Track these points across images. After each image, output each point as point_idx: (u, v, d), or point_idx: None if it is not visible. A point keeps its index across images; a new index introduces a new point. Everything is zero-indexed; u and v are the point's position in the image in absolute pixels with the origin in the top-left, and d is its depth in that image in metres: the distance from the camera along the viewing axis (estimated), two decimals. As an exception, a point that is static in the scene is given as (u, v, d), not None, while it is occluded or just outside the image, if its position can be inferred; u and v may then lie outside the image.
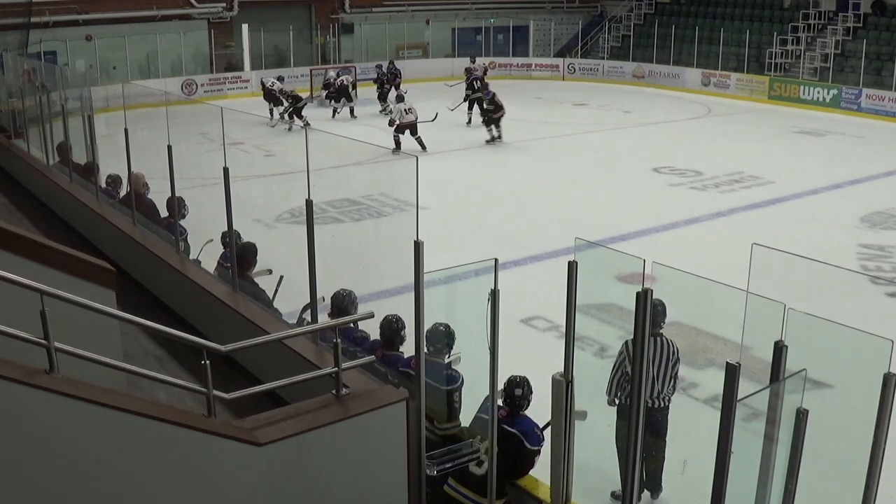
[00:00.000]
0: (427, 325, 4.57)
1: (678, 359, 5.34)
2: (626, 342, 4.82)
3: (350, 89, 22.87)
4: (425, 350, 4.89)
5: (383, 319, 5.51)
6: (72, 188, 10.21)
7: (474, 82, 21.02)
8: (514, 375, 4.84)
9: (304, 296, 5.86)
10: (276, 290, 7.05)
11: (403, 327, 5.40)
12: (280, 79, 22.44)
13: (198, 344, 4.28)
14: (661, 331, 5.28)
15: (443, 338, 4.98)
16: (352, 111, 22.68)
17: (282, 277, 7.13)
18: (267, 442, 4.02)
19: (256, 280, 7.12)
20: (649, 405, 4.37)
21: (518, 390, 4.79)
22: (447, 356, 5.01)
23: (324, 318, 5.70)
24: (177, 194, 7.76)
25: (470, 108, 21.00)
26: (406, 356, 5.31)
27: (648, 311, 3.57)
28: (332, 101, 22.94)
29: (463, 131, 20.63)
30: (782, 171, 16.28)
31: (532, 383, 4.94)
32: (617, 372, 5.25)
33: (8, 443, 3.47)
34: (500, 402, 4.75)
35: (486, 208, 13.73)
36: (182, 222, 7.92)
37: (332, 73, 24.42)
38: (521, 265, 10.69)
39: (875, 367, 3.03)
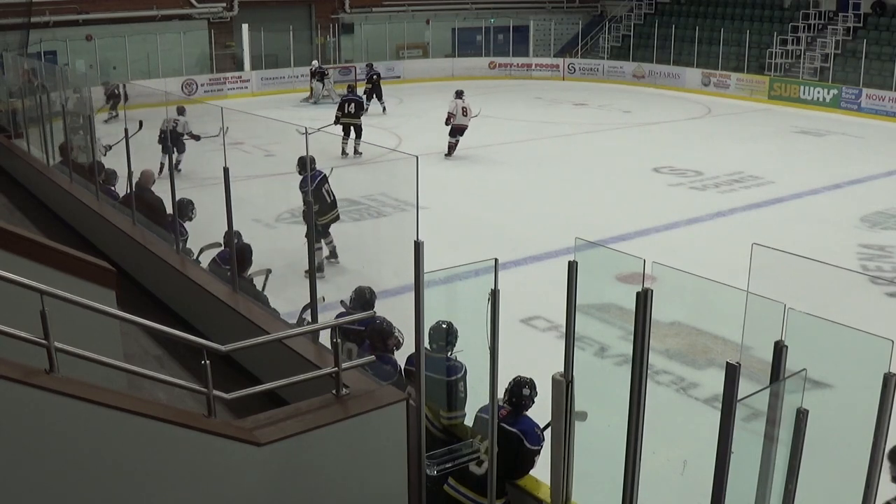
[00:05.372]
0: (427, 326, 4.58)
1: None
2: None
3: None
4: (428, 347, 4.90)
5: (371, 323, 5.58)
6: (72, 188, 10.22)
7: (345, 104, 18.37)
8: (521, 376, 4.85)
9: (304, 295, 5.86)
10: (265, 284, 7.09)
11: (391, 333, 5.52)
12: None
13: (198, 344, 4.29)
14: None
15: (445, 335, 4.99)
16: None
17: (269, 271, 7.17)
18: (267, 442, 4.02)
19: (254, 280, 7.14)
20: None
21: (526, 390, 4.80)
22: (450, 353, 5.02)
23: (325, 318, 5.70)
24: (178, 194, 7.77)
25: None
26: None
27: (648, 310, 3.57)
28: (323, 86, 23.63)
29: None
30: (782, 171, 16.28)
31: (532, 384, 4.94)
32: None
33: (8, 443, 3.47)
34: (501, 401, 4.75)
35: (486, 208, 13.73)
36: (187, 224, 7.96)
37: (315, 63, 25.95)
38: (521, 265, 10.69)
39: (875, 367, 3.03)
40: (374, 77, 23.58)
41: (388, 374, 5.32)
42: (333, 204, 10.12)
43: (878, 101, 23.32)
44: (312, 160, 9.73)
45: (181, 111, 16.80)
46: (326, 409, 4.33)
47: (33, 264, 4.83)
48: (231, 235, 6.83)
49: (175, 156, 14.97)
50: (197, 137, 15.30)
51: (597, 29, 32.63)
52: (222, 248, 7.39)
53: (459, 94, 17.59)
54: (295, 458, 4.16)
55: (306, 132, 5.80)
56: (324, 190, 9.86)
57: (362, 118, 17.86)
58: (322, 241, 10.02)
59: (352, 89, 18.71)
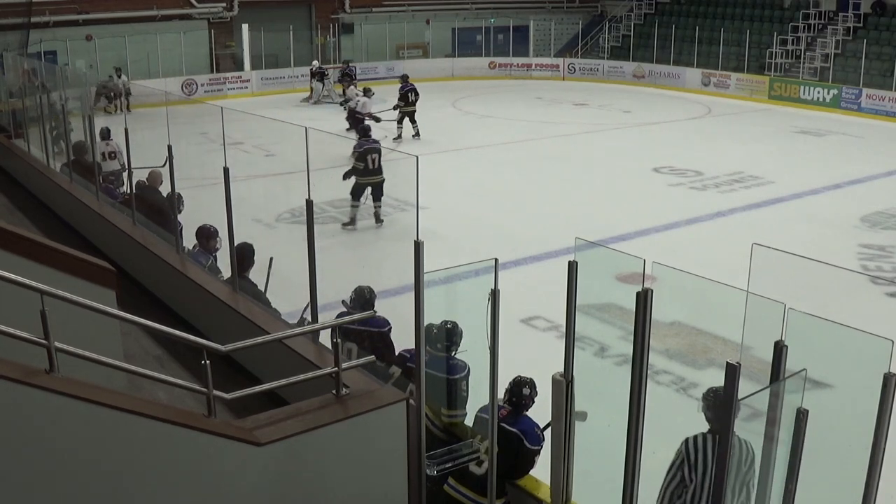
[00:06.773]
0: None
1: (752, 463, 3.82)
2: (687, 441, 4.01)
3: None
4: (432, 347, 4.90)
5: None
6: (72, 188, 10.22)
7: (409, 94, 19.46)
8: (521, 376, 4.85)
9: (304, 295, 5.86)
10: (269, 273, 7.05)
11: None
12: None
13: (198, 344, 4.29)
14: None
15: (450, 336, 4.99)
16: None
17: (271, 259, 7.12)
18: (267, 442, 4.02)
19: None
20: None
21: (526, 390, 4.80)
22: (454, 353, 5.02)
23: (325, 318, 5.70)
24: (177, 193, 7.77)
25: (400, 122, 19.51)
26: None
27: (648, 310, 3.57)
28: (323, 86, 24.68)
29: (461, 132, 20.63)
30: (782, 171, 16.28)
31: (532, 384, 4.94)
32: (672, 479, 4.15)
33: (8, 443, 3.47)
34: (501, 401, 4.75)
35: (486, 208, 13.72)
36: (179, 217, 7.94)
37: (315, 63, 26.54)
38: (521, 265, 10.69)
39: (875, 367, 3.03)
40: (350, 73, 24.38)
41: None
42: (373, 172, 12.47)
43: (878, 101, 23.32)
44: (369, 129, 13.17)
45: (366, 92, 19.72)
46: (326, 409, 4.33)
47: (33, 264, 4.83)
48: (231, 235, 6.82)
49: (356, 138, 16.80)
50: (377, 119, 18.03)
51: (597, 29, 32.63)
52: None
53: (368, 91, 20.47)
54: (295, 458, 4.16)
55: (310, 125, 5.81)
56: (369, 158, 12.38)
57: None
58: (362, 200, 12.51)
59: (405, 79, 20.21)
